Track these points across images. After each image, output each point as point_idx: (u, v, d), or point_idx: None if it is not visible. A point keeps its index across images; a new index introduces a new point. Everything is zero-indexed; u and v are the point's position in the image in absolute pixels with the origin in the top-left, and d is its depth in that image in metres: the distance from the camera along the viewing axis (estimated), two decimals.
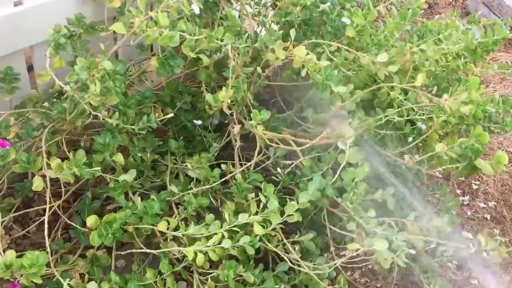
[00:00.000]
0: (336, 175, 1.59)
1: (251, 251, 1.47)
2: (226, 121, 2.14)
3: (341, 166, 1.59)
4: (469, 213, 2.35)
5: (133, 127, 1.68)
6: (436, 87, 1.68)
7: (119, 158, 1.76)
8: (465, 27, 1.89)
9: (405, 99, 1.66)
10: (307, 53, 1.59)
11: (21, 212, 1.85)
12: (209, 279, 1.52)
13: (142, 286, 1.50)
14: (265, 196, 1.53)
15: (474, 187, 2.43)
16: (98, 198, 1.89)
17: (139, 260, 1.77)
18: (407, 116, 1.63)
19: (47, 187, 1.73)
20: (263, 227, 1.49)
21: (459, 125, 1.68)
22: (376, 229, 1.51)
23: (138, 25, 1.47)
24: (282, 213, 1.53)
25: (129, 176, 1.77)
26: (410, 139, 1.67)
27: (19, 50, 1.92)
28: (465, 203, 2.39)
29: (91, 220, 1.57)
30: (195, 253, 1.46)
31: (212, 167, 1.88)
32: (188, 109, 2.12)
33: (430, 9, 3.91)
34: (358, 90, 1.75)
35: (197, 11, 1.74)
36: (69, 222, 1.78)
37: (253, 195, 1.64)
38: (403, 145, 1.70)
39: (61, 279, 1.44)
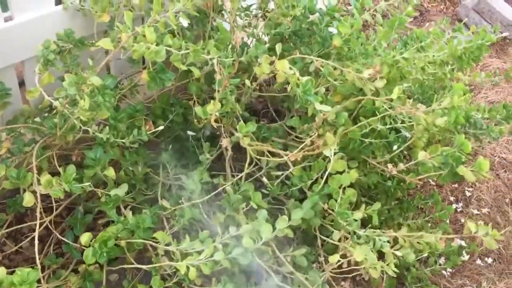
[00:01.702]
0: (318, 181, 1.60)
1: (244, 262, 1.46)
2: (218, 132, 2.15)
3: (327, 173, 1.59)
4: (462, 220, 2.36)
5: (123, 140, 1.67)
6: (422, 95, 1.69)
7: (111, 172, 1.76)
8: (450, 35, 1.90)
9: (390, 108, 1.67)
10: (290, 68, 1.59)
11: (14, 228, 1.84)
12: None
13: None
14: (257, 205, 1.53)
15: (468, 194, 2.44)
16: (91, 212, 1.89)
17: (132, 275, 1.77)
18: (390, 124, 1.64)
19: (38, 203, 1.74)
20: (254, 241, 1.49)
21: (441, 133, 1.69)
22: (359, 231, 1.51)
23: (126, 41, 1.48)
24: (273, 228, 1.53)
25: (121, 190, 1.77)
26: (395, 147, 1.67)
27: (10, 65, 1.93)
28: (458, 210, 2.39)
29: (84, 237, 1.56)
30: (187, 267, 1.46)
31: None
32: (179, 121, 2.12)
33: (421, 16, 3.93)
34: (344, 99, 1.76)
35: (185, 25, 1.74)
36: (61, 237, 1.78)
37: (244, 205, 1.63)
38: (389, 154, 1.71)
39: None
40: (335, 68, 1.93)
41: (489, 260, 2.19)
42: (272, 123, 2.28)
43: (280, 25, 2.15)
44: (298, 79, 1.64)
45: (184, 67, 1.75)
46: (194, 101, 2.03)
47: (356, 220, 1.55)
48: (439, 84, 1.93)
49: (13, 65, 1.95)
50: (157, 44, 1.50)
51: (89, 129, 1.61)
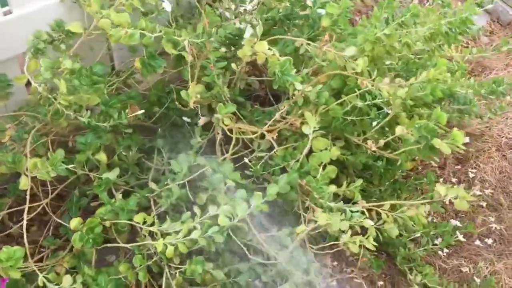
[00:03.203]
0: (300, 160, 1.61)
1: (219, 239, 1.50)
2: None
3: (304, 151, 1.60)
4: None
5: (105, 124, 1.72)
6: (406, 72, 1.67)
7: (102, 157, 1.82)
8: (440, 11, 1.86)
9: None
10: (269, 48, 1.60)
11: (14, 209, 1.93)
12: (177, 274, 1.56)
13: (114, 279, 1.55)
14: (235, 182, 1.56)
15: (471, 175, 2.38)
16: (87, 196, 1.96)
17: (125, 256, 1.83)
18: (370, 101, 1.63)
19: (36, 187, 1.83)
20: (230, 218, 1.52)
21: (419, 107, 1.67)
22: (330, 203, 1.52)
23: (95, 24, 1.53)
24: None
25: (112, 174, 1.83)
26: (374, 123, 1.66)
27: (12, 58, 2.01)
28: None
29: (74, 222, 1.64)
30: (165, 246, 1.50)
31: None
32: (175, 108, 2.17)
33: None
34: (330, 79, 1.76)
35: (168, 9, 1.78)
36: (58, 220, 1.86)
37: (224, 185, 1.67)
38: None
39: (38, 273, 1.50)
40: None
41: (489, 241, 2.15)
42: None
43: (272, 9, 2.16)
44: (278, 60, 1.65)
45: (175, 52, 1.80)
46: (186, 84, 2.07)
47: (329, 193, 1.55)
48: (428, 61, 1.90)
49: (15, 57, 2.03)
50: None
51: (71, 113, 1.66)
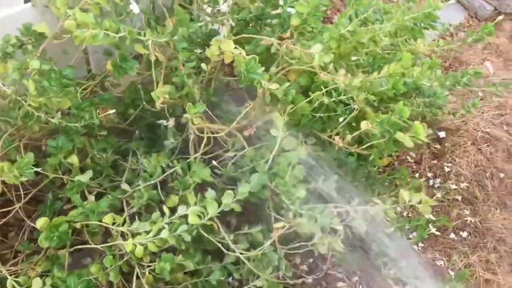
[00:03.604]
0: (269, 162, 1.62)
1: (187, 238, 1.50)
2: None
3: (273, 152, 1.61)
4: (439, 195, 2.33)
5: (75, 125, 1.73)
6: (372, 67, 1.68)
7: (74, 160, 1.83)
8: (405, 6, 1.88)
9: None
10: (235, 47, 1.62)
11: None
12: (147, 272, 1.56)
13: (85, 280, 1.56)
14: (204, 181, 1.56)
15: (446, 169, 2.41)
16: (61, 200, 1.97)
17: (99, 258, 1.83)
18: (335, 97, 1.64)
19: (10, 192, 1.83)
20: (200, 217, 1.53)
21: (387, 102, 1.69)
22: (301, 210, 1.53)
23: (61, 25, 1.53)
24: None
25: (85, 176, 1.83)
26: (341, 119, 1.68)
27: None
28: (436, 185, 2.36)
29: (40, 222, 1.64)
30: (135, 245, 1.51)
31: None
32: (149, 109, 2.17)
33: None
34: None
35: (136, 11, 1.79)
36: (31, 224, 1.86)
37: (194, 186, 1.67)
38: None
39: (8, 276, 1.50)
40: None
41: (464, 234, 2.16)
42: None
43: (243, 10, 2.17)
44: (244, 58, 1.66)
45: (146, 51, 1.81)
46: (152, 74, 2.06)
47: (299, 198, 1.56)
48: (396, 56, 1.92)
49: None
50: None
51: (41, 115, 1.66)
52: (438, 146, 2.46)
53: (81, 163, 1.92)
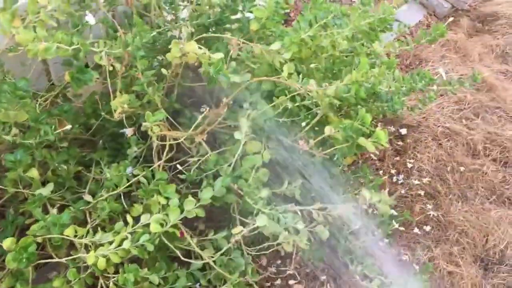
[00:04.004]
0: (232, 164, 1.63)
1: (150, 248, 1.50)
2: None
3: (236, 155, 1.62)
4: (402, 191, 2.38)
5: (30, 141, 1.71)
6: (331, 72, 1.71)
7: (34, 173, 1.80)
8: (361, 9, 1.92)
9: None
10: (200, 48, 1.62)
11: None
12: (111, 283, 1.55)
13: None
14: (166, 198, 1.56)
15: (409, 165, 2.46)
16: (24, 214, 1.93)
17: (64, 271, 1.80)
18: (299, 102, 1.67)
19: None
20: (162, 225, 1.53)
21: (348, 106, 1.72)
22: (264, 209, 1.54)
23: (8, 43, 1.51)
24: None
25: (46, 190, 1.80)
26: (303, 124, 1.70)
27: None
28: (399, 182, 2.41)
29: (7, 242, 1.60)
30: (97, 258, 1.50)
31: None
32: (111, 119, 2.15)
33: None
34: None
35: (91, 22, 1.77)
36: None
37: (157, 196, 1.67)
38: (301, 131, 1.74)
39: None
40: (251, 53, 1.97)
41: (427, 228, 2.21)
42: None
43: (202, 15, 2.18)
44: (210, 59, 1.67)
45: (103, 62, 1.79)
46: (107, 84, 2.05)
47: (262, 199, 1.58)
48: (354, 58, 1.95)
49: None
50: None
51: (2, 133, 1.64)
52: (400, 143, 2.51)
53: (42, 176, 1.89)
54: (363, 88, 1.59)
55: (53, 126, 1.71)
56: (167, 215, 1.55)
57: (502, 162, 2.52)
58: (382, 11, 1.79)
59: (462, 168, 2.46)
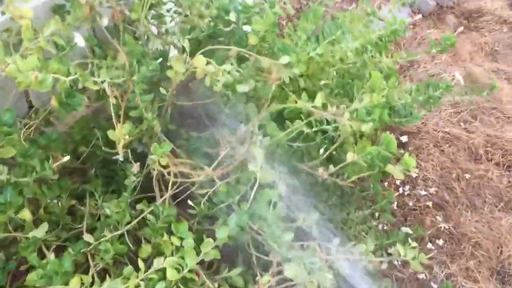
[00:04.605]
0: (250, 201, 1.51)
1: None
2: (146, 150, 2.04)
3: (254, 190, 1.50)
4: (410, 203, 2.31)
5: (26, 179, 1.55)
6: (342, 88, 1.61)
7: (26, 215, 1.63)
8: (365, 19, 1.82)
9: (313, 106, 1.58)
10: (208, 62, 1.50)
11: None
12: None
13: None
14: (179, 238, 1.43)
15: (414, 175, 2.39)
16: (16, 259, 1.76)
17: None
18: (316, 127, 1.56)
19: None
20: (179, 270, 1.40)
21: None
22: (289, 254, 1.43)
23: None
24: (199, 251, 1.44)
25: (40, 231, 1.64)
26: (321, 151, 1.59)
27: None
28: (405, 193, 2.34)
29: None
30: None
31: (136, 201, 1.79)
32: (103, 145, 2.00)
33: None
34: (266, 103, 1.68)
35: (81, 44, 1.62)
36: None
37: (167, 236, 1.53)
38: (318, 157, 1.63)
39: None
40: (256, 68, 1.85)
41: (440, 242, 2.15)
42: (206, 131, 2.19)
43: (195, 29, 2.04)
44: (224, 71, 1.56)
45: (96, 87, 1.64)
46: (111, 115, 1.91)
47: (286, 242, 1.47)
48: (361, 72, 1.86)
49: None
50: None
51: None
52: (402, 151, 2.44)
53: (33, 215, 1.73)
54: (387, 111, 1.50)
55: (50, 160, 1.55)
56: (182, 257, 1.42)
57: (505, 166, 2.48)
58: (394, 22, 1.70)
59: (467, 175, 2.40)
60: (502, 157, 2.49)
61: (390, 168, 1.45)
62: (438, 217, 2.24)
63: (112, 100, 1.48)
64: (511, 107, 2.71)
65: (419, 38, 3.25)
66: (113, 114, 1.52)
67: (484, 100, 2.73)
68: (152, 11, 2.15)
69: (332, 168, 1.57)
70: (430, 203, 2.28)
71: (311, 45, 1.59)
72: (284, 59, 1.65)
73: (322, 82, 1.65)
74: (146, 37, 2.11)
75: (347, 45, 1.65)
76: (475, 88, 2.56)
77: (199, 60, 1.57)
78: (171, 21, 2.23)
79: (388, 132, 1.57)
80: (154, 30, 2.15)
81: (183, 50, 2.16)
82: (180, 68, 1.64)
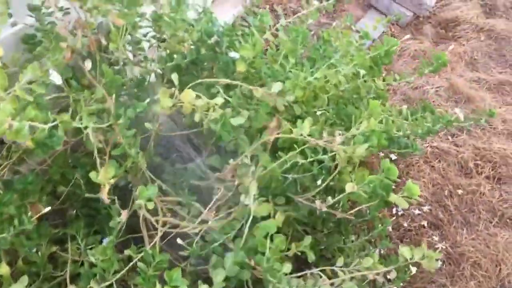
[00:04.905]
0: (244, 236, 1.42)
1: None
2: (130, 185, 1.93)
3: (247, 224, 1.41)
4: (405, 224, 2.25)
5: (4, 235, 1.42)
6: (337, 115, 1.54)
7: (4, 270, 1.51)
8: (358, 42, 1.76)
9: (308, 135, 1.51)
10: (197, 96, 1.41)
11: None
12: None
13: None
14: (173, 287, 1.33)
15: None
16: None
17: None
18: (311, 157, 1.48)
19: None
20: None
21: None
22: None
23: None
24: None
25: (19, 286, 1.51)
26: (319, 182, 1.52)
27: None
28: (399, 213, 2.28)
29: None
30: None
31: (123, 244, 1.68)
32: (83, 183, 1.88)
33: (333, 7, 3.81)
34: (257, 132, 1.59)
35: (58, 81, 1.51)
36: None
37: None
38: (315, 188, 1.55)
39: None
40: (245, 96, 1.77)
41: (439, 264, 2.10)
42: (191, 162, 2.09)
43: (175, 57, 1.95)
44: (214, 105, 1.47)
45: (76, 124, 1.53)
46: (95, 158, 1.80)
47: (286, 274, 1.38)
48: (355, 96, 1.79)
49: None
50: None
51: None
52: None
53: (11, 267, 1.59)
54: (384, 136, 1.43)
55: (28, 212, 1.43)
56: None
57: (495, 179, 2.45)
58: (386, 42, 1.64)
59: (459, 191, 2.36)
60: (492, 169, 2.47)
61: (393, 197, 1.38)
62: (434, 237, 2.19)
63: (97, 145, 1.36)
64: (496, 117, 2.68)
65: (399, 50, 3.22)
66: (96, 158, 1.40)
67: (469, 111, 2.71)
68: (128, 36, 2.05)
69: (330, 200, 1.49)
70: (425, 223, 2.23)
71: (306, 69, 1.51)
72: (276, 86, 1.57)
73: (319, 112, 1.57)
74: (122, 63, 2.01)
75: (342, 69, 1.58)
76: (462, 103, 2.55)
77: (188, 95, 1.47)
78: (149, 47, 2.13)
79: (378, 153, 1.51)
80: (130, 56, 2.05)
81: (162, 77, 2.08)
82: (167, 102, 1.53)
